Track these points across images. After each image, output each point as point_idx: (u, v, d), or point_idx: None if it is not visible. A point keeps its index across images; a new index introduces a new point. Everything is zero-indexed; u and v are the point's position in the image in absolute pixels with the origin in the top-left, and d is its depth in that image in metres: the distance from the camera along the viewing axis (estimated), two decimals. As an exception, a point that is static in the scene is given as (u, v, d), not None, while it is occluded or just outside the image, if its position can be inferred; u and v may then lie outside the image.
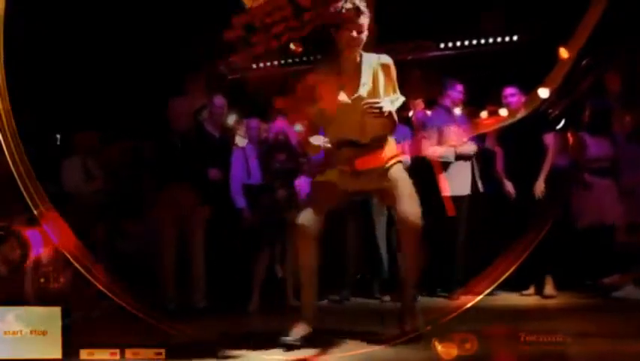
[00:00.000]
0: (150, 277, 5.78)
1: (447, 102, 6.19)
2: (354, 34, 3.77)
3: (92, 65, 7.35)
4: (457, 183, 6.01)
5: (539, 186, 5.75)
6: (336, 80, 3.87)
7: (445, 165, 6.02)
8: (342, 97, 3.83)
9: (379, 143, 3.95)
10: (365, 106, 3.69)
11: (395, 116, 3.84)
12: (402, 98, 3.97)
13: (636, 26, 6.07)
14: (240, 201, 6.08)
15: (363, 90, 3.82)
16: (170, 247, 5.89)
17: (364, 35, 3.81)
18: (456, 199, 5.91)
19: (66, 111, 7.19)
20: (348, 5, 3.74)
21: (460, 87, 6.16)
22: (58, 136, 7.27)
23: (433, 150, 6.00)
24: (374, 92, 3.85)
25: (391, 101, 3.88)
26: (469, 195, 6.03)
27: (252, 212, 6.01)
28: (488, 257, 4.74)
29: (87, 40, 7.26)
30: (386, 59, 3.92)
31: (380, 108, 3.69)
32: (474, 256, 5.67)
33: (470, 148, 6.04)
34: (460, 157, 6.05)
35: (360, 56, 3.90)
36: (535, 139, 5.87)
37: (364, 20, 3.78)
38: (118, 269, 4.66)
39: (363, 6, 3.77)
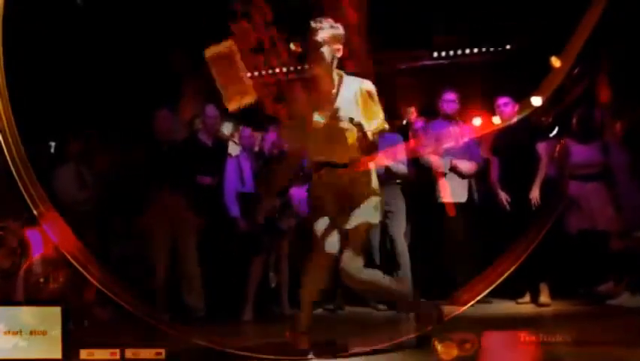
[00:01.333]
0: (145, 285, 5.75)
1: (444, 111, 6.28)
2: (312, 51, 3.67)
3: (86, 73, 7.35)
4: (453, 190, 6.11)
5: (534, 193, 5.79)
6: (311, 100, 3.76)
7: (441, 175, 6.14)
8: (317, 117, 3.72)
9: (358, 165, 3.79)
10: (343, 123, 3.61)
11: (372, 138, 3.67)
12: (384, 125, 3.80)
13: (626, 33, 6.17)
14: (234, 210, 6.07)
15: (341, 113, 3.68)
16: (162, 256, 5.86)
17: (325, 52, 3.66)
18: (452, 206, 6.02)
19: (60, 118, 7.17)
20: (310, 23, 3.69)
21: (454, 96, 6.25)
22: (52, 143, 7.22)
23: (425, 160, 6.10)
24: (353, 115, 3.66)
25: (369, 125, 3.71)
26: (464, 203, 6.12)
27: (246, 220, 6.00)
28: (484, 265, 4.76)
29: (82, 48, 7.27)
30: (368, 85, 3.78)
31: (359, 126, 3.59)
32: (469, 264, 5.68)
33: (465, 166, 6.14)
34: (453, 170, 6.13)
35: (340, 77, 3.78)
36: (528, 148, 5.92)
37: (321, 36, 3.65)
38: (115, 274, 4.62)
39: (320, 23, 3.69)
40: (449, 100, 6.27)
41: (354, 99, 3.72)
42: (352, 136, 3.66)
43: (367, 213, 3.80)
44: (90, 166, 6.46)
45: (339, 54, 3.72)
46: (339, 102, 3.71)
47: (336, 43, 3.70)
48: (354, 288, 3.98)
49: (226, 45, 5.57)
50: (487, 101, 6.49)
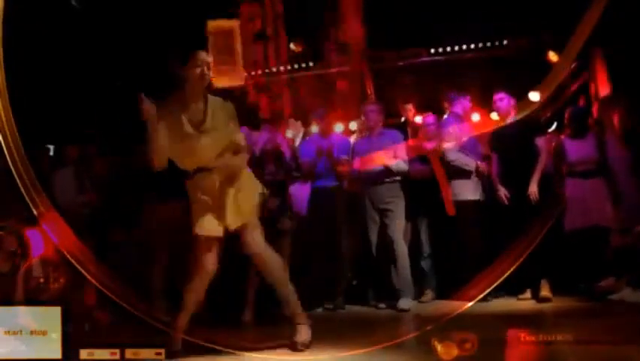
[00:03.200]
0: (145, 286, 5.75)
1: (457, 111, 6.33)
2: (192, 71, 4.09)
3: (85, 76, 7.35)
4: (468, 188, 6.13)
5: (533, 188, 5.78)
6: (182, 115, 4.14)
7: (464, 172, 6.14)
8: (189, 129, 4.12)
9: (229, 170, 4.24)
10: None
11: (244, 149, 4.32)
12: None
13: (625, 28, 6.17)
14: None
15: (208, 124, 4.13)
16: (162, 257, 5.86)
17: (205, 73, 4.10)
18: (465, 204, 6.08)
19: (59, 121, 7.17)
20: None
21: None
22: (51, 147, 7.21)
23: (457, 156, 6.09)
24: (219, 131, 4.15)
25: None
26: (478, 201, 6.14)
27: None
28: (488, 261, 4.77)
29: (81, 51, 7.28)
30: (230, 104, 4.28)
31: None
32: (477, 259, 5.66)
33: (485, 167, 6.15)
34: (477, 171, 6.14)
35: (205, 95, 4.21)
36: (527, 143, 5.91)
37: (201, 59, 4.10)
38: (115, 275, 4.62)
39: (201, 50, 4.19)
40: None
41: (219, 116, 4.19)
42: (221, 145, 4.16)
43: (249, 195, 4.27)
44: (89, 170, 6.45)
45: (209, 78, 4.18)
46: (207, 118, 4.16)
47: (208, 68, 4.16)
48: (255, 259, 4.39)
49: (230, 22, 5.60)
50: (486, 97, 6.49)
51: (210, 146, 4.13)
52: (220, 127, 4.14)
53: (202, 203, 4.19)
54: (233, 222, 4.17)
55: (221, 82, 5.86)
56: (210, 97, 4.21)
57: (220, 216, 4.16)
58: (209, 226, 4.15)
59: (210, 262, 4.18)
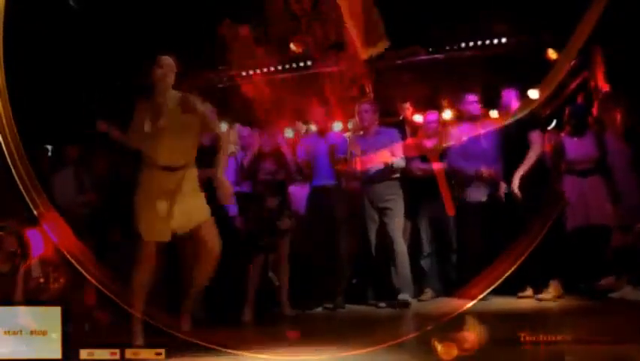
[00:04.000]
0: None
1: (467, 113, 6.34)
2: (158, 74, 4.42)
3: (85, 78, 7.36)
4: (472, 190, 6.13)
5: (514, 185, 5.77)
6: (150, 112, 4.42)
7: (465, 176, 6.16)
8: (147, 127, 4.37)
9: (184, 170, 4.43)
10: None
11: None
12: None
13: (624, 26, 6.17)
14: (232, 210, 6.06)
15: (163, 122, 4.34)
16: (161, 258, 5.85)
17: (169, 76, 4.43)
18: (468, 204, 6.10)
19: (59, 122, 7.18)
20: None
21: (474, 97, 6.30)
22: (50, 147, 7.22)
23: (456, 160, 6.11)
24: (174, 126, 4.37)
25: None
26: (480, 201, 6.12)
27: (245, 220, 5.98)
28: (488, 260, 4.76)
29: (81, 52, 7.29)
30: (187, 96, 4.48)
31: None
32: (477, 259, 5.64)
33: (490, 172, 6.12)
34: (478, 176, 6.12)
35: (168, 93, 4.45)
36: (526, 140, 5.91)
37: (166, 64, 4.43)
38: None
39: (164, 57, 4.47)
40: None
41: (177, 109, 4.40)
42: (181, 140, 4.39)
43: (197, 211, 4.46)
44: (89, 170, 6.45)
45: (170, 80, 4.46)
46: (164, 113, 4.38)
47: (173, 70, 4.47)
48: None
49: None
50: (485, 96, 6.48)
51: (169, 142, 4.31)
52: (178, 122, 4.35)
53: (151, 208, 4.30)
54: (181, 228, 4.35)
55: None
56: (173, 92, 4.44)
57: (168, 222, 4.30)
58: (157, 233, 4.30)
59: (152, 258, 4.32)
